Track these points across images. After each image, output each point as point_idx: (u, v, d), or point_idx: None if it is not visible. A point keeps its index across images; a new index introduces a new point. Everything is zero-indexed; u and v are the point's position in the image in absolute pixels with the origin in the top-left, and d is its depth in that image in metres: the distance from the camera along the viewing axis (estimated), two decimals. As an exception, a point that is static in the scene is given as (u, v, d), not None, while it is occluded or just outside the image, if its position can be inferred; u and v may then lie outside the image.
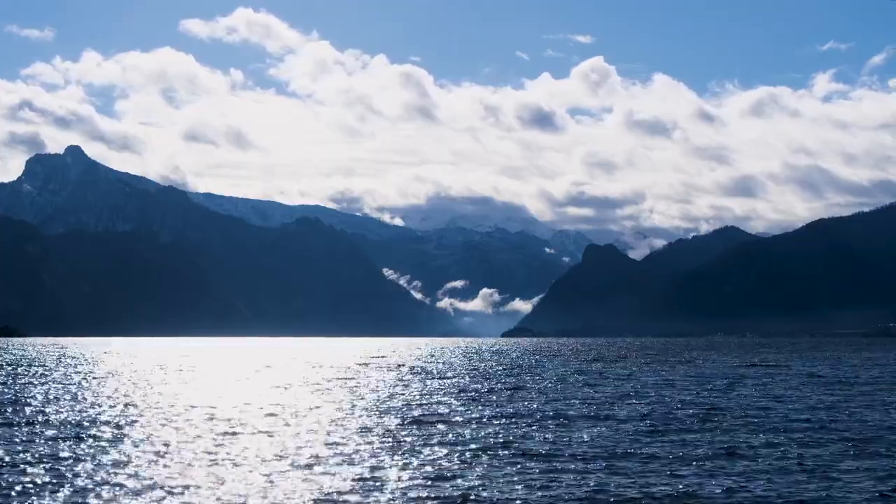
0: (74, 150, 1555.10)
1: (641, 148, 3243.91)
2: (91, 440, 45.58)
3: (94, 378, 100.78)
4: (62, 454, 40.99)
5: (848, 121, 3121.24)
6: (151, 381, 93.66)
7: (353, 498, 32.48)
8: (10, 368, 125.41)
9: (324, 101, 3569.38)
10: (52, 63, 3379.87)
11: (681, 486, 34.66)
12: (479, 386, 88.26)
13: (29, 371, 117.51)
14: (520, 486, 34.44)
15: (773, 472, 37.87)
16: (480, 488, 34.08)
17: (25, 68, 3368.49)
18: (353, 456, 40.91)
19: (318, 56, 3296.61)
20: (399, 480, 35.42)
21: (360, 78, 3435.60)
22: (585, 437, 47.61)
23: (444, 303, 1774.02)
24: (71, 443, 44.60)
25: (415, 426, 52.20)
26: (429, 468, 38.02)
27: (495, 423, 54.07)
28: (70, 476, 35.76)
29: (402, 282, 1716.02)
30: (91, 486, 33.83)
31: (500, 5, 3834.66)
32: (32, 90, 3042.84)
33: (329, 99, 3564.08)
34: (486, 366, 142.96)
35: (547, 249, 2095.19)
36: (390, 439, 46.25)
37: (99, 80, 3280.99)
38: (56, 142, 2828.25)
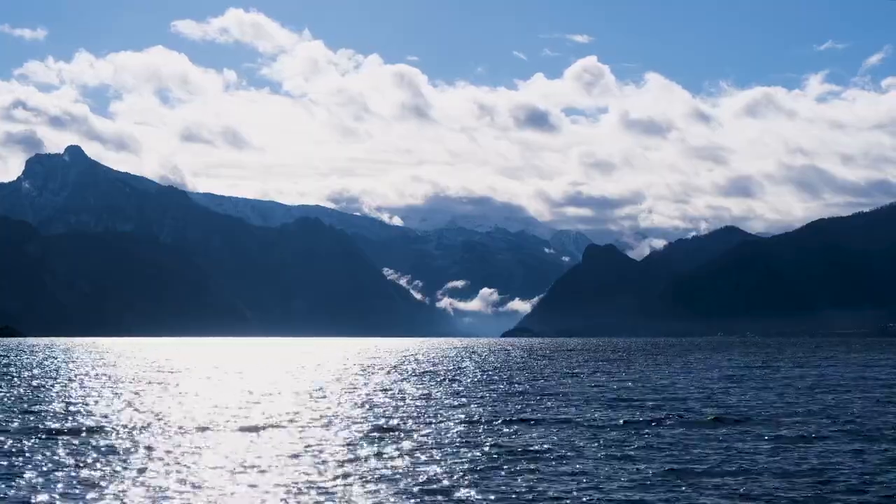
0: (74, 150, 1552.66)
1: (638, 148, 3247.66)
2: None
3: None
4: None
5: (843, 121, 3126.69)
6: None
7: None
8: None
9: (318, 101, 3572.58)
10: (45, 63, 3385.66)
11: None
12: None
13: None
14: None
15: None
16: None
17: (18, 68, 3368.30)
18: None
19: (310, 56, 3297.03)
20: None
21: (354, 78, 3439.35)
22: None
23: (444, 303, 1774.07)
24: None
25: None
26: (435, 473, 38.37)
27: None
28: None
29: (402, 282, 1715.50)
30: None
31: (495, 5, 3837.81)
32: (26, 90, 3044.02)
33: (323, 99, 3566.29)
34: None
35: (547, 249, 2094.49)
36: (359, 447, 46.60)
37: (92, 81, 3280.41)
38: (52, 142, 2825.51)
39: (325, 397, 74.38)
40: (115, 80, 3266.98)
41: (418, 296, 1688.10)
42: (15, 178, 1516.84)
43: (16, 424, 53.50)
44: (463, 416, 59.25)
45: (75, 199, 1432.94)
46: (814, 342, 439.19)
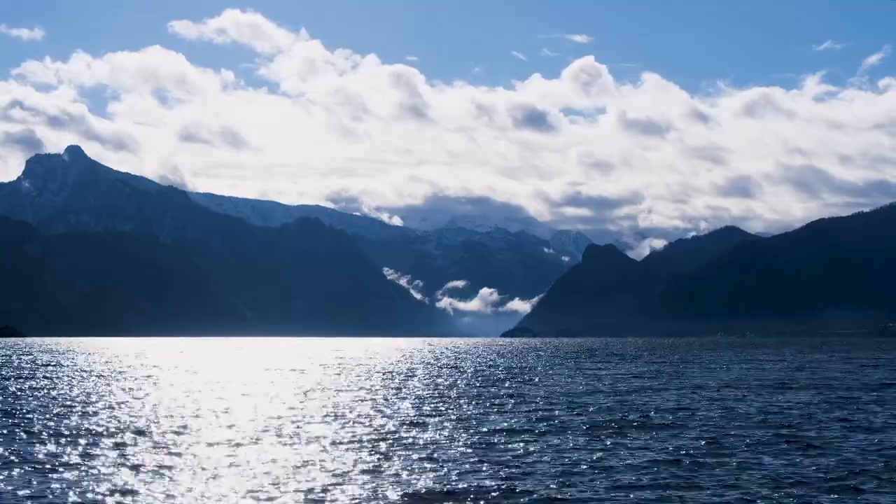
0: (74, 150, 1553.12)
1: (637, 148, 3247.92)
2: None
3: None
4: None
5: (841, 121, 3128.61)
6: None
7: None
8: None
9: (316, 101, 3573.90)
10: (42, 63, 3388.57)
11: None
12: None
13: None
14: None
15: None
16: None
17: (16, 68, 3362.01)
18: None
19: (308, 56, 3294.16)
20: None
21: (352, 78, 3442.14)
22: None
23: (444, 303, 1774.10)
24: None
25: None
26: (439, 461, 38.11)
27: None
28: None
29: (402, 282, 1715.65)
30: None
31: (493, 5, 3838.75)
32: (24, 90, 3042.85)
33: (321, 99, 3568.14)
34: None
35: (546, 249, 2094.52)
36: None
37: (90, 81, 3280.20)
38: (51, 142, 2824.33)
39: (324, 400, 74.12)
40: (113, 80, 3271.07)
41: (418, 296, 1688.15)
42: (15, 178, 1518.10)
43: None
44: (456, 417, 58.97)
45: (75, 199, 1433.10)
46: (814, 342, 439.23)
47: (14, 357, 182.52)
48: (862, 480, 36.69)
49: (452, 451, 43.04)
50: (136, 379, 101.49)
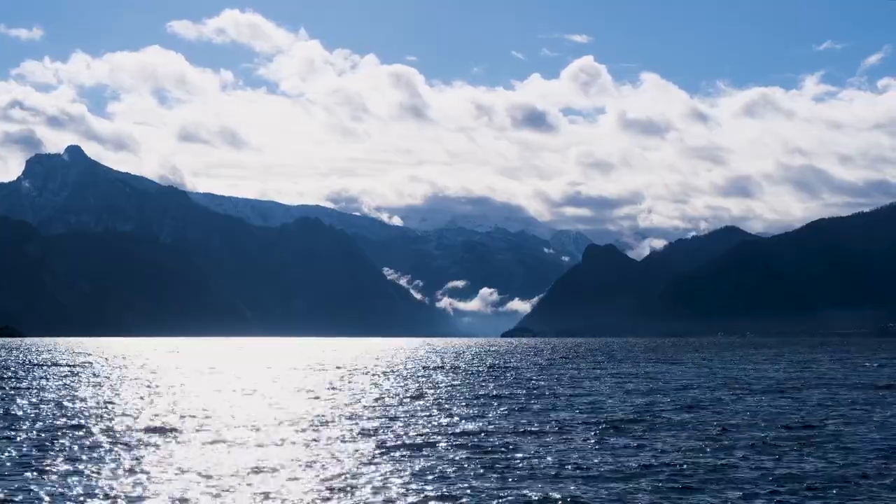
0: (74, 150, 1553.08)
1: (636, 148, 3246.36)
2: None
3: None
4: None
5: (841, 121, 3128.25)
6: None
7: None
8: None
9: (315, 101, 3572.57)
10: (42, 63, 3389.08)
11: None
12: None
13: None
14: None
15: None
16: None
17: (15, 68, 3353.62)
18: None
19: (307, 56, 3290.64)
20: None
21: (351, 78, 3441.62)
22: None
23: (444, 303, 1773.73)
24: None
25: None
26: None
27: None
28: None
29: (402, 282, 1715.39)
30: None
31: (493, 5, 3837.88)
32: (24, 90, 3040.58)
33: (321, 99, 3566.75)
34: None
35: (546, 249, 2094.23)
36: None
37: (89, 81, 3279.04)
38: (51, 142, 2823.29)
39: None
40: (112, 80, 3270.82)
41: (418, 296, 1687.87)
42: (15, 178, 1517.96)
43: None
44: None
45: (75, 199, 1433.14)
46: (814, 342, 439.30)
47: (8, 357, 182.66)
48: (861, 481, 36.56)
49: (449, 452, 42.90)
50: (127, 380, 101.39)
